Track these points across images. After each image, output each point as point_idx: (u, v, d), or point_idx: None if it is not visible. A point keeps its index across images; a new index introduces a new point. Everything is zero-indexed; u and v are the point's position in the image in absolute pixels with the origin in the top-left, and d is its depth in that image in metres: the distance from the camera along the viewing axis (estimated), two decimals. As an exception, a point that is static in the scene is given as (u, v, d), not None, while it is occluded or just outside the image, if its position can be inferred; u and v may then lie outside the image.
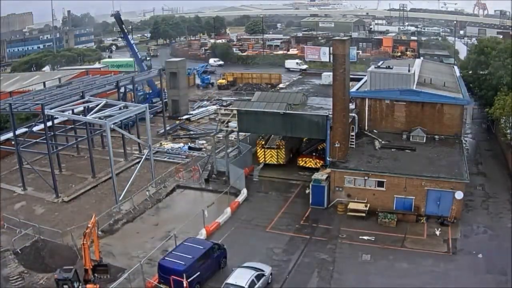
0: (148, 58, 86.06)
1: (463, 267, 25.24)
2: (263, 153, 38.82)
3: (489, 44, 49.59)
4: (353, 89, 38.95)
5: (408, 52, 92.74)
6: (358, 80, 43.96)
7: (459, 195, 29.37)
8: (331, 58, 36.89)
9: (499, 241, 27.67)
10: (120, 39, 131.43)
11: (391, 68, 38.71)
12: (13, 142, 36.64)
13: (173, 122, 54.12)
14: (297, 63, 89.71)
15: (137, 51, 60.78)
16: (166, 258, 24.22)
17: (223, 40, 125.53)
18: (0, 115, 41.16)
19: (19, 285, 24.88)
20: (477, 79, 47.83)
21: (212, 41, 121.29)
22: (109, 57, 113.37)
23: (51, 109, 35.17)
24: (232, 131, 38.84)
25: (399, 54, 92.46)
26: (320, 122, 34.96)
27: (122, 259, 26.79)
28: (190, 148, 45.19)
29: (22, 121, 42.47)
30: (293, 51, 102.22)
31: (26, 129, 38.90)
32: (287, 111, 36.11)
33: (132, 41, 61.60)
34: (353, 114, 35.94)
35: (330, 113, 33.87)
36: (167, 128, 50.03)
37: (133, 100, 46.68)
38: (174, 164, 40.69)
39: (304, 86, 73.66)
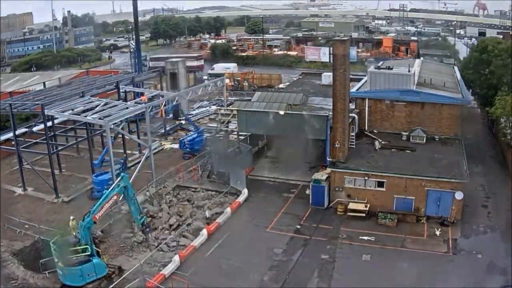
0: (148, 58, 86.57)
1: (463, 267, 25.26)
2: None
3: (491, 43, 49.54)
4: (353, 89, 38.95)
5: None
6: (358, 80, 43.97)
7: (459, 195, 29.39)
8: (331, 59, 36.89)
9: (499, 241, 27.69)
10: (122, 38, 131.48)
11: (391, 69, 38.73)
12: (13, 142, 36.65)
13: (173, 122, 54.15)
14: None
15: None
16: None
17: (223, 40, 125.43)
18: (0, 115, 41.11)
19: (19, 285, 24.89)
20: (478, 78, 47.73)
21: (212, 41, 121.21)
22: (109, 58, 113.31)
23: (51, 109, 35.18)
24: (232, 131, 38.82)
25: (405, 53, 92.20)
26: (320, 122, 34.95)
27: (122, 259, 26.79)
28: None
29: (22, 121, 42.43)
30: (292, 52, 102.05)
31: (26, 129, 38.91)
32: (287, 111, 36.11)
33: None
34: (353, 114, 35.93)
35: (330, 113, 33.91)
36: (167, 129, 50.05)
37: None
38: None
39: (304, 86, 73.49)
